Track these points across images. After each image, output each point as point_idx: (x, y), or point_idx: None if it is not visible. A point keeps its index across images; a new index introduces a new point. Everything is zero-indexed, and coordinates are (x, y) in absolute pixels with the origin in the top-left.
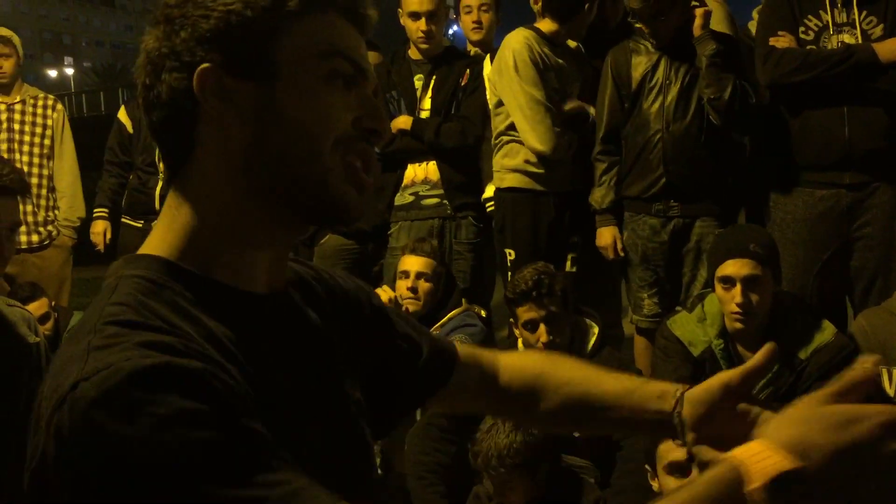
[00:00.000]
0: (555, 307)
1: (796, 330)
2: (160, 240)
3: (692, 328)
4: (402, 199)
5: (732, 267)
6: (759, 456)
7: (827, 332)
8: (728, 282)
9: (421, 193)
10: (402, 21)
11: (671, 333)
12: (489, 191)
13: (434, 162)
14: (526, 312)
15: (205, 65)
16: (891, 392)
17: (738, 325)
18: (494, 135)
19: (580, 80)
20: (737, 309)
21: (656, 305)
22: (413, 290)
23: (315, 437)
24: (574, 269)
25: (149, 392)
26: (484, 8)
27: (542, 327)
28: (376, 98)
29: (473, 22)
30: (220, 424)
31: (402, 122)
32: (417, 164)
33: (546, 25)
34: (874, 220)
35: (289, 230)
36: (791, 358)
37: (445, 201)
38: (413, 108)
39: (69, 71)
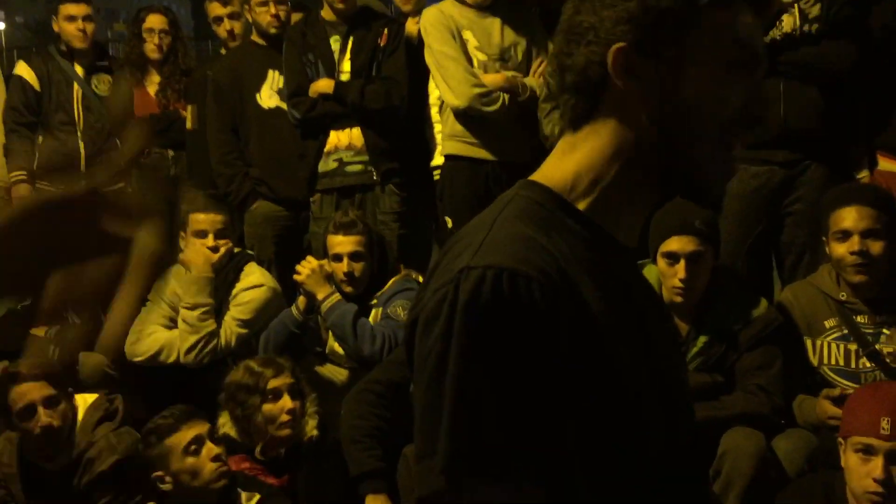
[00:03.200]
0: None
1: (729, 303)
2: (550, 174)
3: None
4: (325, 165)
5: (678, 243)
6: None
7: (761, 305)
8: (672, 257)
9: (345, 160)
10: None
11: None
12: (437, 158)
13: (358, 128)
14: None
15: (620, 44)
16: (814, 361)
17: (678, 299)
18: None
19: (529, 36)
20: (679, 284)
21: None
22: (349, 274)
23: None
24: None
25: (515, 297)
26: None
27: None
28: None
29: None
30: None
31: (323, 85)
32: (340, 130)
33: None
34: (805, 196)
35: (654, 197)
36: (723, 330)
37: (371, 168)
38: (332, 72)
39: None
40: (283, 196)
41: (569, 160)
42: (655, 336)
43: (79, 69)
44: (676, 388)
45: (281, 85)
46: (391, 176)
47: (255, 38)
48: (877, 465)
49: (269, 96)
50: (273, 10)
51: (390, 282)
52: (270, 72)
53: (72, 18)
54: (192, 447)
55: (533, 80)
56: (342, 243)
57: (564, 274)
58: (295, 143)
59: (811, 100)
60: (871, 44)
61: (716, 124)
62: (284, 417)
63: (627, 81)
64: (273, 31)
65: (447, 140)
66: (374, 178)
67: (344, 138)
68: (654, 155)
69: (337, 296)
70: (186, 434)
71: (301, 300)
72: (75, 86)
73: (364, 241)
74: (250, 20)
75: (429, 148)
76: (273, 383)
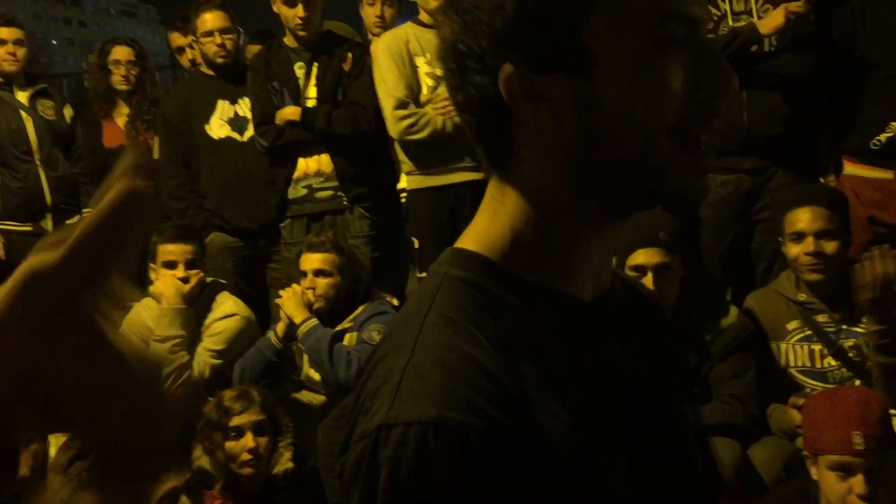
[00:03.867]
0: None
1: (702, 313)
2: (483, 235)
3: None
4: (295, 192)
5: (643, 256)
6: None
7: (731, 314)
8: (639, 270)
9: (315, 186)
10: (276, 8)
11: None
12: (403, 180)
13: (326, 154)
14: None
15: (508, 68)
16: (782, 365)
17: None
18: None
19: None
20: None
21: None
22: (313, 289)
23: (640, 461)
24: None
25: (446, 455)
26: (388, 1)
27: None
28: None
29: (377, 17)
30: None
31: (290, 112)
32: (309, 157)
33: (424, 14)
34: (772, 203)
35: (618, 223)
36: (697, 339)
37: (340, 193)
38: (297, 98)
39: None
40: (238, 226)
41: (501, 213)
42: (658, 408)
43: (21, 96)
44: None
45: (231, 115)
46: (361, 200)
47: (203, 68)
48: (858, 482)
49: (218, 126)
50: (219, 40)
51: (364, 306)
52: (220, 102)
53: (1, 42)
54: (165, 503)
55: None
56: (312, 261)
57: (513, 399)
58: (248, 172)
59: (775, 106)
60: (831, 49)
61: (661, 130)
62: (245, 456)
63: (532, 107)
64: (220, 60)
65: (407, 175)
66: (344, 202)
67: (313, 165)
68: (595, 181)
69: (314, 321)
70: (161, 487)
71: (280, 327)
72: (23, 114)
73: (330, 259)
74: (197, 51)
75: (396, 170)
76: (237, 421)
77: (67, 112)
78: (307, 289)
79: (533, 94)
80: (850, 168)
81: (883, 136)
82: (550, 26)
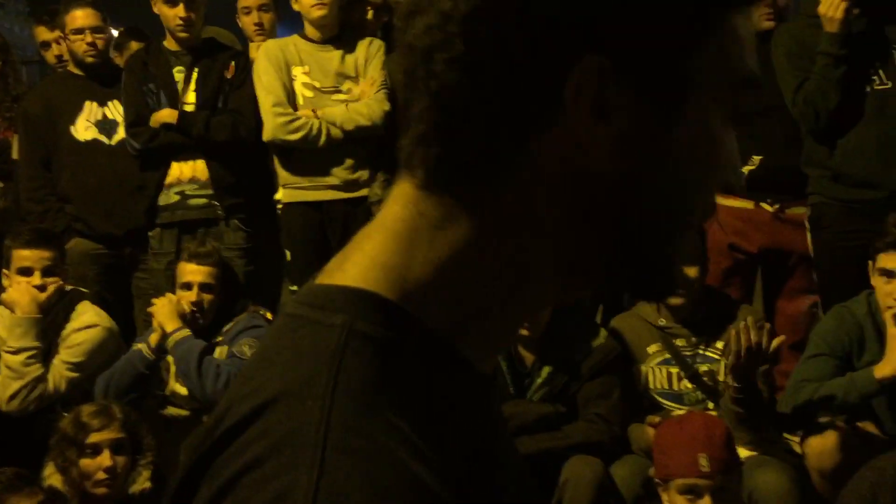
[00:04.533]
0: None
1: (573, 333)
2: (400, 274)
3: None
4: (166, 198)
5: None
6: None
7: (600, 335)
8: None
9: (188, 193)
10: (156, 9)
11: None
12: (280, 192)
13: (202, 160)
14: None
15: (593, 60)
16: (642, 386)
17: (525, 332)
18: None
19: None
20: None
21: None
22: (198, 304)
23: None
24: None
25: None
26: (264, 8)
27: None
28: None
29: (255, 24)
30: None
31: (167, 115)
32: (184, 162)
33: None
34: None
35: (572, 295)
36: (566, 360)
37: (215, 202)
38: (175, 102)
39: None
40: (103, 232)
41: (439, 247)
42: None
43: None
44: None
45: (99, 117)
46: (236, 211)
47: (71, 67)
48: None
49: (85, 128)
50: (89, 39)
51: (236, 319)
52: (87, 103)
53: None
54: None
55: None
56: (194, 272)
57: None
58: (115, 177)
59: None
60: None
61: (709, 200)
62: (101, 475)
63: (589, 125)
64: (89, 60)
65: (282, 188)
66: (219, 212)
67: (187, 171)
68: (605, 247)
69: (186, 331)
70: None
71: (154, 337)
72: None
73: (216, 273)
74: (66, 48)
75: (274, 181)
76: (94, 437)
77: None
78: (193, 303)
79: (599, 107)
80: (716, 197)
81: (745, 169)
82: (667, 24)
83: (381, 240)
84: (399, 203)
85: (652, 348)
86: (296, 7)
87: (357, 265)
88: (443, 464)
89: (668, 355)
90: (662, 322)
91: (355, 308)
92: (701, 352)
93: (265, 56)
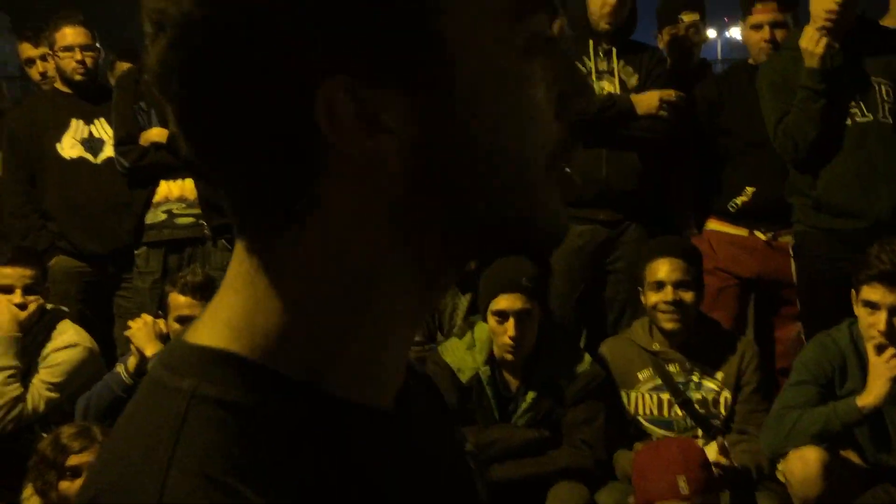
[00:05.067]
0: None
1: (557, 359)
2: (241, 325)
3: (461, 355)
4: (153, 216)
5: (506, 301)
6: None
7: (585, 361)
8: (501, 315)
9: (175, 212)
10: None
11: (441, 359)
12: None
13: (191, 179)
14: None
15: (333, 83)
16: (630, 410)
17: (509, 357)
18: None
19: None
20: (510, 342)
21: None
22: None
23: None
24: None
25: None
26: None
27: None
28: None
29: None
30: None
31: (156, 134)
32: (172, 181)
33: None
34: (624, 255)
35: (444, 286)
36: (550, 385)
37: (202, 222)
38: (166, 122)
39: None
40: (86, 251)
41: (275, 293)
42: None
43: None
44: None
45: (85, 135)
46: (223, 231)
47: (58, 84)
48: None
49: (70, 146)
50: (79, 57)
51: None
52: (74, 121)
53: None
54: None
55: None
56: (192, 306)
57: None
58: (100, 196)
59: (632, 164)
60: (691, 117)
61: (539, 152)
62: None
63: (366, 138)
64: (78, 77)
65: None
66: (206, 231)
67: (175, 189)
68: (440, 230)
69: None
70: None
71: (132, 361)
72: None
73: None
74: (52, 65)
75: None
76: (74, 460)
77: None
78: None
79: (368, 118)
80: (713, 224)
81: (739, 200)
82: (395, 19)
83: (224, 296)
84: (235, 258)
85: (643, 374)
86: None
87: (206, 324)
88: None
89: (659, 381)
90: (656, 347)
91: (202, 369)
92: (695, 379)
93: None
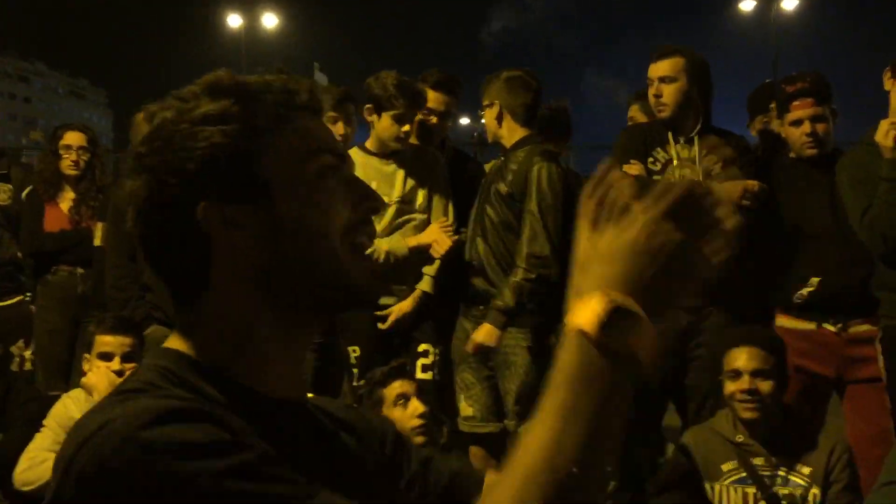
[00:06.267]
0: None
1: (639, 449)
2: (180, 343)
3: None
4: None
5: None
6: (582, 312)
7: (668, 449)
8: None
9: None
10: None
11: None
12: None
13: None
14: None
15: (203, 203)
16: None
17: None
18: None
19: (432, 179)
20: None
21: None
22: None
23: None
24: None
25: (178, 428)
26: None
27: None
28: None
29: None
30: (247, 453)
31: None
32: None
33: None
34: (706, 342)
35: (308, 330)
36: (632, 476)
37: None
38: None
39: None
40: None
41: (196, 334)
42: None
43: None
44: None
45: None
46: None
47: None
48: None
49: None
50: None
51: None
52: None
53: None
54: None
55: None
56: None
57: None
58: None
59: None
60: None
61: (335, 235)
62: None
63: (229, 234)
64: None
65: None
66: None
67: None
68: (289, 289)
69: None
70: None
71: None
72: None
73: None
74: None
75: None
76: None
77: (25, 194)
78: None
79: (228, 223)
80: (780, 320)
81: (805, 291)
82: (232, 166)
83: (172, 338)
84: (175, 319)
85: (727, 466)
86: (370, 120)
87: (170, 340)
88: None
89: (744, 473)
90: (740, 438)
91: (160, 355)
92: (782, 474)
93: None
